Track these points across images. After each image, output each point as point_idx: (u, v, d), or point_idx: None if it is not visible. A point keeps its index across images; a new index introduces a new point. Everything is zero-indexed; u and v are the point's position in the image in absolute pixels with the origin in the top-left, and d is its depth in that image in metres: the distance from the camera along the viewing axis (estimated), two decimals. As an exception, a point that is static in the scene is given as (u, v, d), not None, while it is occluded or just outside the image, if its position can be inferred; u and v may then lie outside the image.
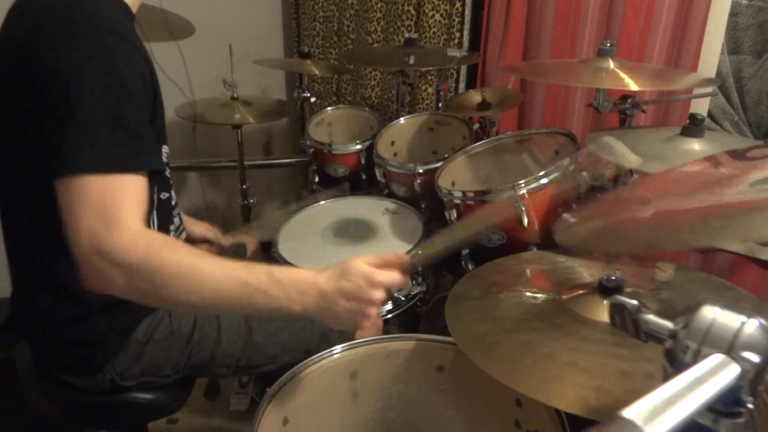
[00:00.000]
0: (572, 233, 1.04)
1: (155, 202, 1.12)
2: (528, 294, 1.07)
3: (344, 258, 0.95)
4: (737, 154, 0.94)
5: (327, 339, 1.21)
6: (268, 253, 1.62)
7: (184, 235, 1.31)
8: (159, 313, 1.15)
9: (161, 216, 1.16)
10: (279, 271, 0.90)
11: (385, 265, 0.97)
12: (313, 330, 1.22)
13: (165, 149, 1.11)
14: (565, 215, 1.09)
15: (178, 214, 1.27)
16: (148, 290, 0.85)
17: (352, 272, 0.92)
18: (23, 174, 1.00)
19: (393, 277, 0.96)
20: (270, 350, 1.21)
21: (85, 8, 0.93)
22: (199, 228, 1.51)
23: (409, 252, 1.31)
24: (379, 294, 0.93)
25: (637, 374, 0.81)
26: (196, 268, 0.86)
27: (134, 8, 1.04)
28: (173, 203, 1.23)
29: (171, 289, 0.85)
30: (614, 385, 0.80)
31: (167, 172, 1.17)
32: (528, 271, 1.22)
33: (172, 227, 1.22)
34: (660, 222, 0.86)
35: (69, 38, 0.89)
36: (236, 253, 1.61)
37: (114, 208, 0.84)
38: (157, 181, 1.11)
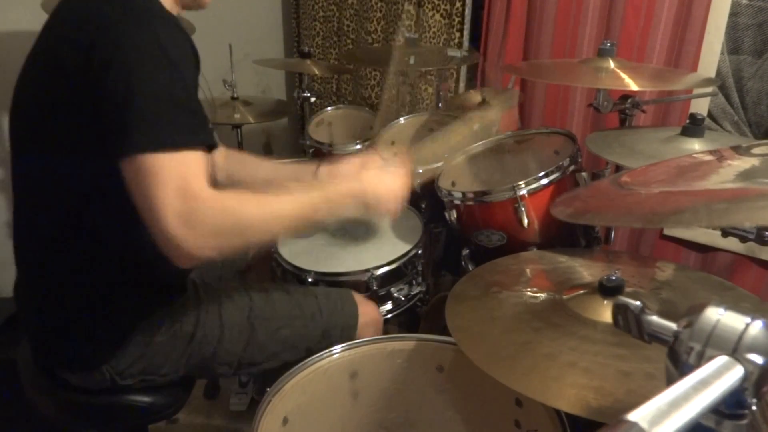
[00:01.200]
0: (571, 209, 1.04)
1: None
2: (528, 294, 1.07)
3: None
4: (742, 150, 0.94)
5: (328, 336, 1.21)
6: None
7: None
8: (160, 313, 1.14)
9: None
10: (329, 188, 1.11)
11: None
12: (315, 328, 1.22)
13: None
14: (557, 199, 1.10)
15: None
16: (237, 244, 0.96)
17: (386, 176, 1.19)
18: (45, 169, 1.01)
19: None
20: (271, 348, 1.21)
21: None
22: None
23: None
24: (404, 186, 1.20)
25: (638, 375, 0.81)
26: (270, 211, 1.00)
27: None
28: None
29: (255, 236, 0.98)
30: (615, 385, 0.80)
31: None
32: (528, 271, 1.22)
33: None
34: (660, 201, 0.86)
35: (121, 23, 0.91)
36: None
37: (188, 182, 0.89)
38: None
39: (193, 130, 0.93)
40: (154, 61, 0.90)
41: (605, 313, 0.94)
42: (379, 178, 1.18)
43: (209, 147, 0.95)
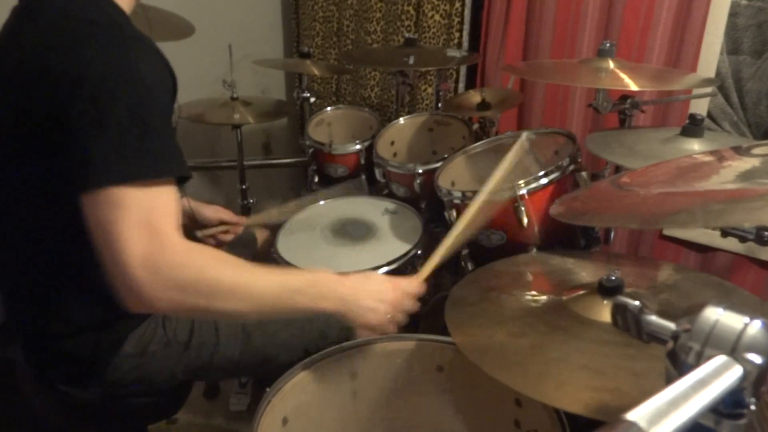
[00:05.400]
0: (570, 210, 1.04)
1: None
2: (528, 297, 1.06)
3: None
4: (742, 151, 0.95)
5: (325, 337, 1.21)
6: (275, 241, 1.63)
7: None
8: (150, 324, 1.12)
9: None
10: (311, 273, 1.00)
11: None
12: (312, 330, 1.22)
13: None
14: (556, 201, 1.10)
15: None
16: (199, 305, 0.87)
17: (375, 278, 1.07)
18: (19, 186, 0.98)
19: (412, 284, 1.11)
20: (268, 352, 1.20)
21: (99, 17, 0.91)
22: (211, 211, 1.49)
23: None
24: (400, 298, 1.07)
25: (651, 374, 0.80)
26: (243, 279, 0.90)
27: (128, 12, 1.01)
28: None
29: (222, 303, 0.88)
30: (630, 386, 0.79)
31: None
32: (526, 273, 1.21)
33: None
34: (658, 202, 0.87)
35: (90, 47, 0.86)
36: (247, 242, 1.61)
37: (157, 221, 0.82)
38: None
39: (166, 161, 0.87)
40: (128, 85, 0.85)
41: (607, 313, 0.94)
42: (368, 286, 1.04)
43: (182, 179, 0.90)
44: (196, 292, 0.85)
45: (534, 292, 1.08)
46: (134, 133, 0.84)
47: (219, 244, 1.50)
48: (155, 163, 0.85)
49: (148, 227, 0.81)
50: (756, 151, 0.95)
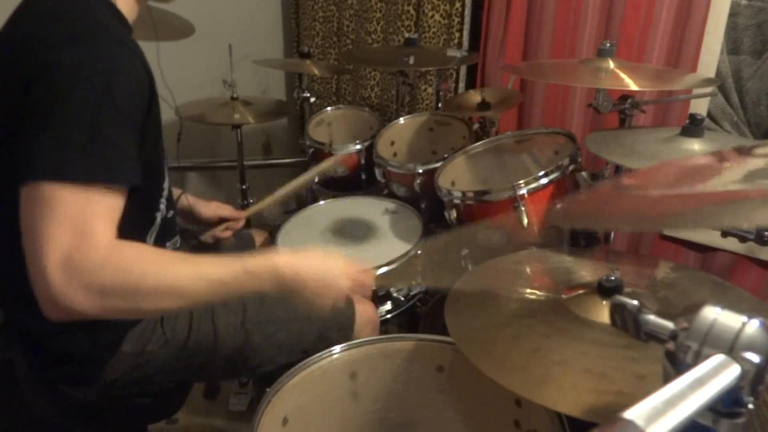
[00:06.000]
0: (566, 213, 1.04)
1: (158, 220, 1.09)
2: (527, 295, 1.06)
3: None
4: (743, 151, 0.95)
5: (324, 338, 1.21)
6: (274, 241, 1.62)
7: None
8: (149, 324, 1.12)
9: (165, 233, 1.13)
10: (249, 263, 0.92)
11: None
12: (310, 330, 1.22)
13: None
14: (557, 202, 1.10)
15: (178, 229, 1.26)
16: (121, 307, 0.84)
17: (308, 254, 0.99)
18: (8, 181, 0.95)
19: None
20: (267, 352, 1.20)
21: (85, 14, 0.91)
22: (210, 209, 1.47)
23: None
24: (340, 265, 1.00)
25: (653, 376, 0.79)
26: (172, 275, 0.86)
27: (130, 20, 1.01)
28: (175, 218, 1.22)
29: (150, 302, 0.85)
30: (634, 389, 0.79)
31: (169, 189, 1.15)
32: (526, 271, 1.21)
33: (168, 243, 1.20)
34: (650, 205, 0.87)
35: (64, 39, 0.86)
36: (244, 244, 1.61)
37: (87, 224, 0.79)
38: (165, 198, 1.10)
39: (109, 166, 0.83)
40: (88, 83, 0.82)
41: (606, 313, 0.94)
42: (311, 261, 0.98)
43: (134, 188, 0.87)
44: (116, 296, 0.82)
45: (533, 291, 1.07)
46: (82, 133, 0.81)
47: (219, 243, 1.49)
48: (96, 166, 0.82)
49: (74, 230, 0.78)
50: (757, 151, 0.94)
